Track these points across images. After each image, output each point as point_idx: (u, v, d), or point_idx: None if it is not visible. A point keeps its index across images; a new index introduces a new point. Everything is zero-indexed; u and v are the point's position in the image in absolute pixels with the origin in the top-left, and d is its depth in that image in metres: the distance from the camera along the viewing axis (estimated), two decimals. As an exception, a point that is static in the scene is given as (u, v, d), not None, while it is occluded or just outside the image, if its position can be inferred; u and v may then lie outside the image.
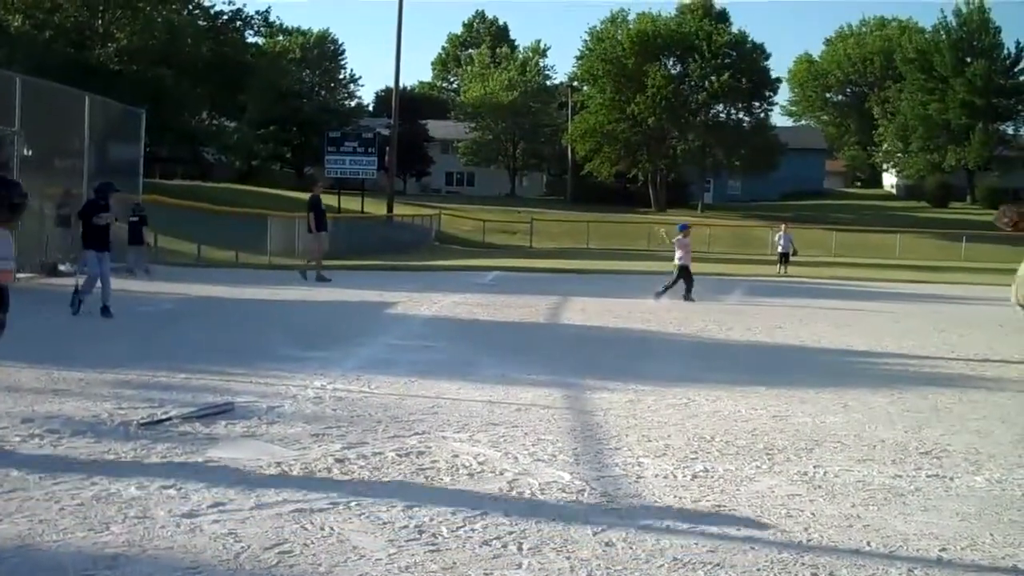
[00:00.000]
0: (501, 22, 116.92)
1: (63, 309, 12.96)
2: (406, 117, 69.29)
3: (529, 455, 6.01)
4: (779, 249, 35.73)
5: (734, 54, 77.99)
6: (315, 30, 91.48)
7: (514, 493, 5.17)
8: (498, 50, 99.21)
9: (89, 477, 5.19)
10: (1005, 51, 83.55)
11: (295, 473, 5.42)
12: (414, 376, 8.86)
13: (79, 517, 4.54)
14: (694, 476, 5.63)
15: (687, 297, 19.62)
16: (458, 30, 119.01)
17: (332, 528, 4.50)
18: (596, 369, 9.79)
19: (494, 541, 4.39)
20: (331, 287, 19.87)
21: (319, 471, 5.48)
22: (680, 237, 20.40)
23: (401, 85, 60.99)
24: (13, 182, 7.27)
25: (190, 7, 48.94)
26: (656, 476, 5.61)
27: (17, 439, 5.99)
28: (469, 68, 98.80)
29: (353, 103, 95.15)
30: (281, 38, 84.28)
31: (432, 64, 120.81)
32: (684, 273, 19.91)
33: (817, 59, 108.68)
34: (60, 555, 4.05)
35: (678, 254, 20.10)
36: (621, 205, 76.30)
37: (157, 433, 6.26)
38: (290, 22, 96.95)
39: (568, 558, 4.20)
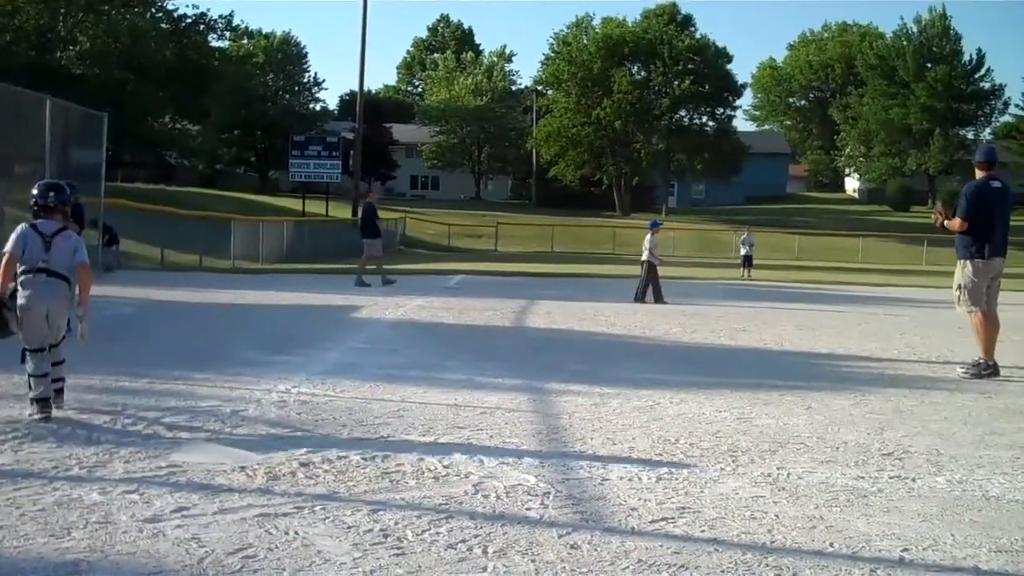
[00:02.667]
0: (466, 26, 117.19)
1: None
2: (370, 121, 69.25)
3: (494, 458, 6.01)
4: (743, 252, 36.02)
5: (697, 59, 78.42)
6: (278, 33, 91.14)
7: (479, 496, 5.17)
8: (463, 55, 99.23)
9: (51, 482, 5.15)
10: (966, 57, 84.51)
11: (259, 477, 5.39)
12: (379, 380, 8.84)
13: (40, 523, 4.49)
14: (659, 478, 5.64)
15: (639, 298, 19.80)
16: (423, 34, 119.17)
17: (296, 532, 4.48)
18: (561, 372, 9.80)
19: (459, 544, 4.39)
20: (295, 291, 19.80)
21: (283, 475, 5.45)
22: (652, 235, 20.60)
23: (366, 89, 60.97)
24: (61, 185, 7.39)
25: (152, 10, 48.59)
26: (621, 478, 5.62)
27: (-23, 445, 5.93)
28: (434, 72, 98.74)
29: (317, 107, 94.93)
30: (245, 41, 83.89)
31: (397, 68, 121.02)
32: (651, 270, 20.12)
33: (780, 64, 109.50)
34: (21, 561, 4.01)
35: (648, 252, 20.30)
36: (586, 209, 76.61)
37: (118, 437, 6.21)
38: (253, 25, 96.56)
39: (533, 561, 4.21)
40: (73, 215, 10.11)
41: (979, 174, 10.75)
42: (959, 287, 10.60)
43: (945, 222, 10.75)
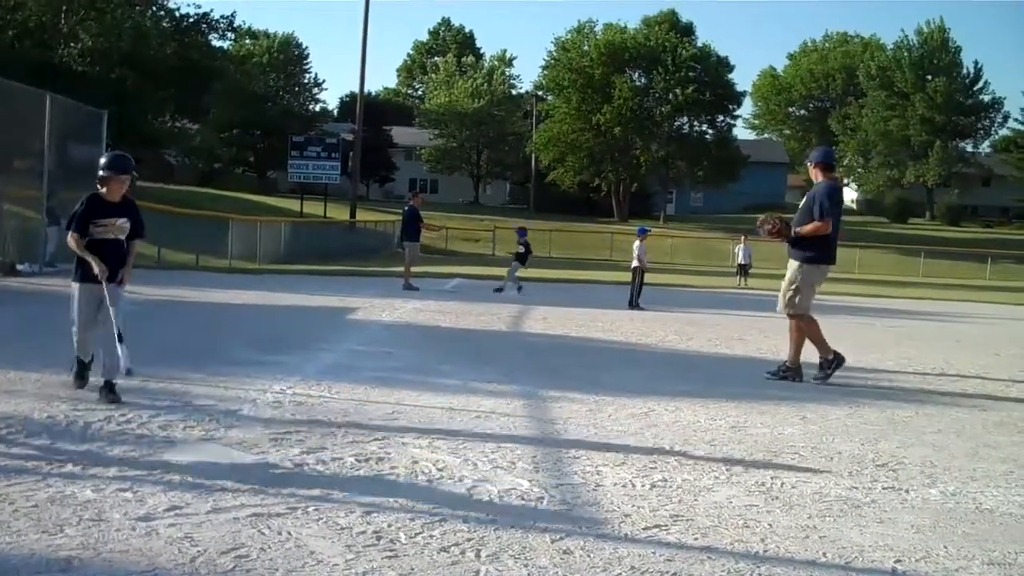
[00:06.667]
0: (467, 30, 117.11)
1: (20, 310, 12.81)
2: (370, 123, 69.18)
3: (488, 462, 6.01)
4: (739, 261, 36.03)
5: (698, 67, 78.45)
6: (280, 34, 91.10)
7: (473, 500, 5.17)
8: (464, 59, 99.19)
9: (44, 479, 5.14)
10: (965, 70, 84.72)
11: (253, 477, 5.38)
12: (374, 382, 8.84)
13: (33, 519, 4.48)
14: (653, 485, 5.64)
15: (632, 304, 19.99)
16: (424, 37, 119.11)
17: (289, 533, 4.48)
18: (557, 378, 9.80)
19: (452, 548, 4.38)
20: (292, 292, 19.78)
21: (277, 475, 5.45)
22: (639, 242, 20.86)
23: (366, 91, 60.92)
24: None
25: (153, 8, 48.51)
26: (615, 485, 5.62)
27: (-29, 440, 5.92)
28: (435, 75, 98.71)
29: (317, 108, 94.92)
30: (248, 42, 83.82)
31: (397, 71, 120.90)
32: (640, 276, 20.42)
33: (780, 74, 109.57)
34: (12, 557, 4.00)
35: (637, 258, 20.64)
36: (584, 215, 76.64)
37: (113, 435, 6.20)
38: (256, 25, 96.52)
39: (526, 565, 4.20)
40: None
41: (821, 176, 10.51)
42: (795, 289, 10.42)
43: (801, 228, 10.39)
